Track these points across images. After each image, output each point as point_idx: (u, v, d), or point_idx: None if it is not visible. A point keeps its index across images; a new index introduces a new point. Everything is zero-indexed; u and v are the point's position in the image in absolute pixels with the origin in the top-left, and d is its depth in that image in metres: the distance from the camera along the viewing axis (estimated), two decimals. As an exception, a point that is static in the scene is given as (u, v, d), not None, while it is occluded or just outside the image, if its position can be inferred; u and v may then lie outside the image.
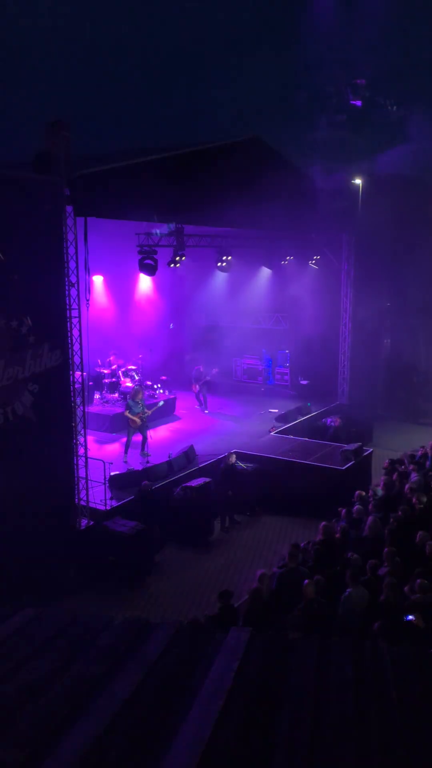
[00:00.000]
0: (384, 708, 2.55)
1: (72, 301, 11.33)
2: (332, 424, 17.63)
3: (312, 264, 20.22)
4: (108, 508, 12.01)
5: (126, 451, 14.23)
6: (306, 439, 16.40)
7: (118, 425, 15.90)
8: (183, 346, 22.03)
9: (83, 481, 11.77)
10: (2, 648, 2.98)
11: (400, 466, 12.50)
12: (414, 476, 11.78)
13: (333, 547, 9.30)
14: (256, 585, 8.12)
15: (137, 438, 14.62)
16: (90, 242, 11.27)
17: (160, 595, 11.02)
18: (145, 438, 14.49)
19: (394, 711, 2.54)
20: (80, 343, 11.56)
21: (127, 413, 14.35)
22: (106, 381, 17.93)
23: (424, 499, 10.29)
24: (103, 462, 12.38)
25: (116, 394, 17.64)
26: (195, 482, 13.08)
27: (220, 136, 15.95)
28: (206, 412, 19.32)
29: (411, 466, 12.35)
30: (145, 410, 14.44)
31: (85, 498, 11.78)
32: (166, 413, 18.25)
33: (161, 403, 16.11)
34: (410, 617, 6.85)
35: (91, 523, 11.66)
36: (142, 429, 14.39)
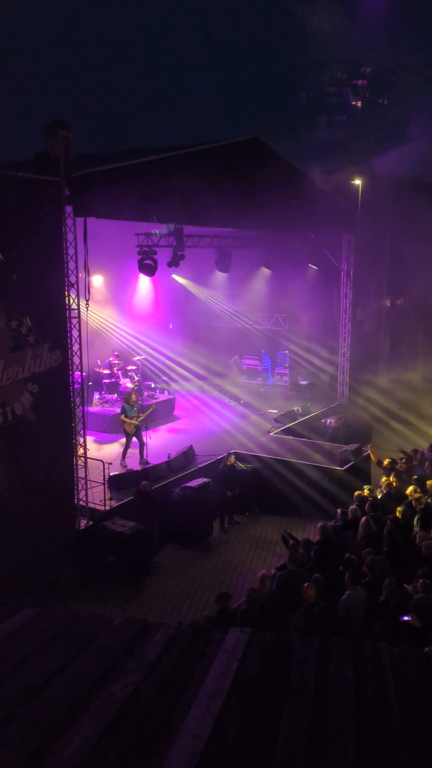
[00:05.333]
0: (383, 708, 2.55)
1: (71, 301, 11.33)
2: (331, 424, 17.63)
3: (311, 264, 20.22)
4: (107, 508, 12.00)
5: (124, 456, 14.17)
6: (305, 439, 16.40)
7: (117, 426, 15.90)
8: (182, 346, 22.01)
9: (82, 482, 11.77)
10: (1, 648, 2.98)
11: (399, 467, 12.49)
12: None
13: (331, 547, 9.30)
14: (253, 587, 8.10)
15: (135, 443, 14.51)
16: (90, 242, 11.27)
17: (159, 595, 11.02)
18: (142, 443, 14.36)
19: (394, 711, 2.54)
20: (80, 344, 11.56)
21: (122, 417, 14.30)
22: (106, 381, 17.93)
23: (423, 500, 10.31)
24: (103, 462, 12.37)
25: (115, 395, 17.63)
26: (194, 482, 13.08)
27: (220, 136, 15.94)
28: (232, 404, 19.95)
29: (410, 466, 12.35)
30: (139, 414, 14.35)
31: (84, 498, 11.78)
32: (165, 413, 18.25)
33: (153, 406, 16.04)
34: (406, 617, 6.85)
35: (91, 523, 11.66)
36: (138, 434, 14.29)
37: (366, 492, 11.33)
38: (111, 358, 18.43)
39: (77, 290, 11.38)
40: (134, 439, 14.29)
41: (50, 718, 2.48)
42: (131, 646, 2.97)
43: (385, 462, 12.69)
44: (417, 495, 10.42)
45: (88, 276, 11.58)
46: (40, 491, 10.85)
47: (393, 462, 12.75)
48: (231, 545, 12.90)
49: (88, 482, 11.84)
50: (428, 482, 11.17)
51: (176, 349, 21.21)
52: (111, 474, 12.67)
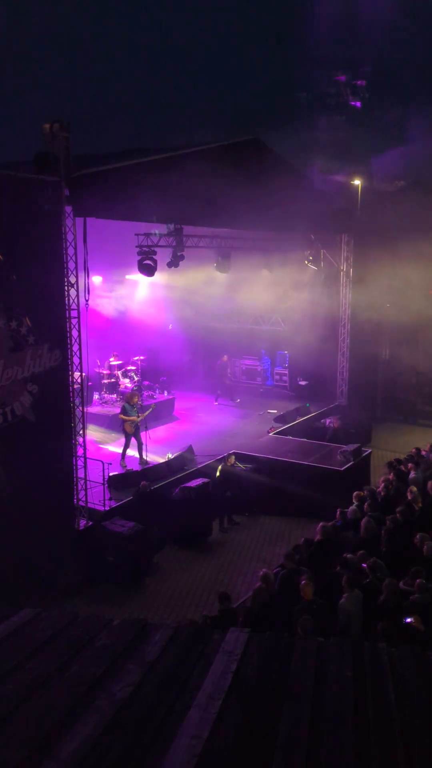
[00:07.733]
0: (383, 708, 2.55)
1: (71, 301, 11.33)
2: (331, 424, 17.64)
3: (311, 265, 20.21)
4: (107, 508, 12.00)
5: (123, 456, 14.15)
6: (305, 439, 16.40)
7: (117, 426, 15.88)
8: (182, 347, 22.01)
9: (82, 482, 11.77)
10: (1, 648, 2.98)
11: (401, 467, 12.49)
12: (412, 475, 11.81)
13: (331, 547, 9.31)
14: (260, 584, 8.08)
15: (135, 444, 14.48)
16: (89, 242, 11.27)
17: (158, 595, 11.02)
18: (141, 443, 14.35)
19: (393, 711, 2.54)
20: (79, 344, 11.56)
21: (121, 416, 14.29)
22: (105, 381, 17.92)
23: (419, 501, 10.31)
24: (102, 462, 12.37)
25: (114, 395, 17.62)
26: (194, 483, 13.08)
27: (219, 136, 15.94)
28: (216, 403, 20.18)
29: (410, 467, 12.35)
30: (139, 415, 14.35)
31: (83, 498, 11.78)
32: (165, 413, 18.23)
33: (153, 407, 16.04)
34: (409, 620, 6.83)
35: (90, 523, 11.66)
36: (137, 434, 14.29)
37: (366, 492, 11.33)
38: (111, 358, 18.43)
39: (77, 290, 11.39)
40: (133, 439, 14.29)
41: (50, 718, 2.48)
42: (131, 646, 2.97)
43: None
44: (416, 495, 10.42)
45: (88, 276, 11.58)
46: (40, 491, 10.85)
47: (397, 462, 12.76)
48: (231, 545, 12.90)
49: (88, 482, 11.83)
50: (429, 483, 11.17)
51: (176, 349, 21.22)
52: (110, 474, 12.67)
